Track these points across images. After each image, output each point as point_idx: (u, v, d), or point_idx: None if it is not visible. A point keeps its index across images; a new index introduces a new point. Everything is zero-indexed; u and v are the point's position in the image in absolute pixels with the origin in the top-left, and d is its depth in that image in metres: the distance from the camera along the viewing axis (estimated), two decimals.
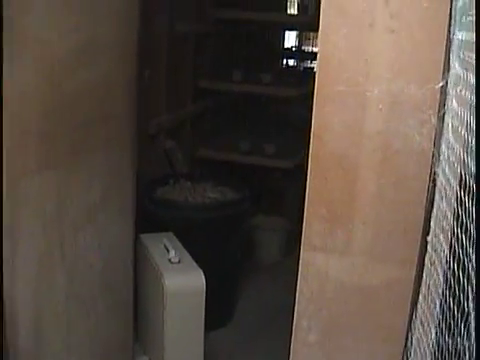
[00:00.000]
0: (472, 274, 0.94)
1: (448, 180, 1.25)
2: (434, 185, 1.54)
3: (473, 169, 0.99)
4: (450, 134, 1.29)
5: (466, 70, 1.16)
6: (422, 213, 1.59)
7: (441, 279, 1.34)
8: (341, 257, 1.71)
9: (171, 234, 3.35)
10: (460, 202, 1.08)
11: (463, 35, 1.23)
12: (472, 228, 0.95)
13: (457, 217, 1.09)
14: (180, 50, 4.42)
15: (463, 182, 1.07)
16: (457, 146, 1.17)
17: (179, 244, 3.25)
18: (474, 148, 0.97)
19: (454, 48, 1.39)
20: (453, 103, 1.29)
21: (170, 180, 4.02)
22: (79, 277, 2.68)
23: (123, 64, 2.79)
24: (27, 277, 2.35)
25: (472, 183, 0.98)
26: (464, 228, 1.02)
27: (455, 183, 1.17)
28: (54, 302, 2.54)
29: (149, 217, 3.59)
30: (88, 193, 2.66)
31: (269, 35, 6.41)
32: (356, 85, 1.57)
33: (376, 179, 1.63)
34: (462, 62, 1.22)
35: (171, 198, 3.80)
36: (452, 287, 1.10)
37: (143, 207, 3.47)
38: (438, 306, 1.35)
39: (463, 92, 1.16)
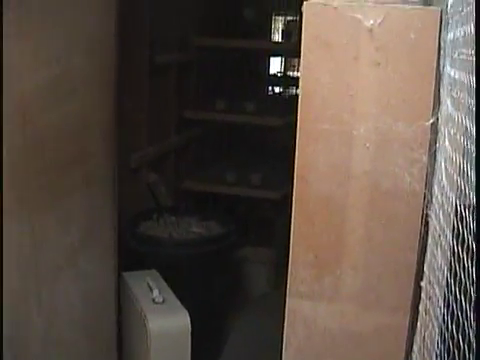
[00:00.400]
0: (473, 342, 0.84)
1: (443, 230, 1.15)
2: (427, 227, 1.45)
3: (471, 224, 0.89)
4: (444, 178, 1.20)
5: (459, 111, 1.06)
6: (414, 257, 1.50)
7: (437, 333, 1.24)
8: (329, 304, 1.61)
9: (154, 271, 3.25)
10: (457, 258, 0.98)
11: (455, 73, 1.13)
12: (472, 291, 0.85)
13: (455, 274, 0.99)
14: (162, 80, 4.34)
15: (461, 237, 0.97)
16: (452, 195, 1.07)
17: (163, 282, 3.14)
18: (473, 202, 0.87)
19: (445, 83, 1.30)
20: (446, 143, 1.19)
21: (153, 215, 3.92)
22: (58, 322, 2.57)
23: (100, 97, 2.70)
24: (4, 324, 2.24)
25: (471, 240, 0.88)
26: (462, 287, 0.92)
27: (450, 235, 1.07)
28: (32, 349, 2.43)
29: (132, 254, 3.48)
30: (66, 235, 2.55)
31: (254, 62, 6.32)
32: (341, 123, 1.48)
33: (364, 221, 1.53)
34: (455, 102, 1.12)
35: (154, 234, 3.69)
36: (451, 350, 0.99)
37: (125, 244, 3.36)
38: None
39: (457, 136, 1.06)
